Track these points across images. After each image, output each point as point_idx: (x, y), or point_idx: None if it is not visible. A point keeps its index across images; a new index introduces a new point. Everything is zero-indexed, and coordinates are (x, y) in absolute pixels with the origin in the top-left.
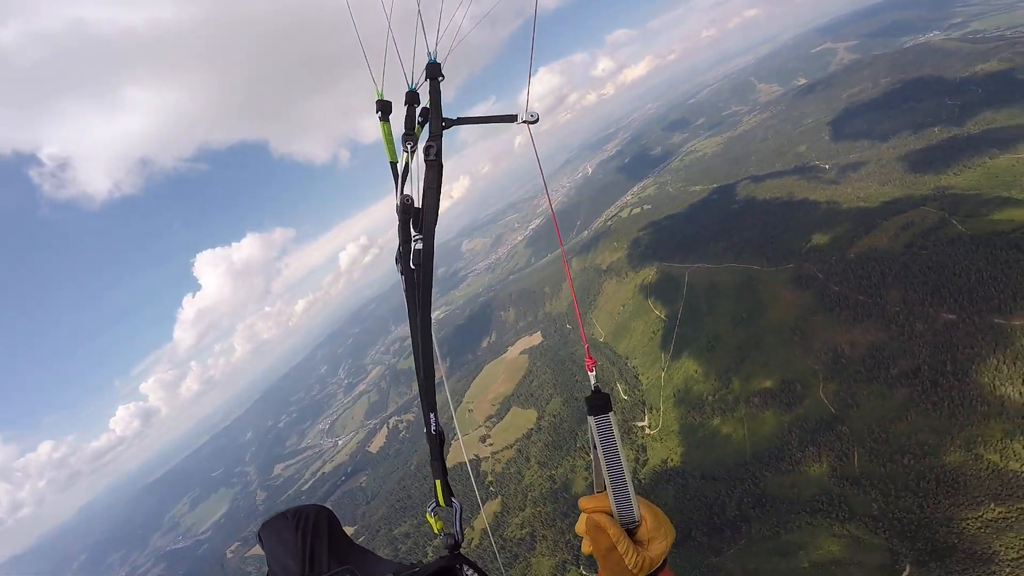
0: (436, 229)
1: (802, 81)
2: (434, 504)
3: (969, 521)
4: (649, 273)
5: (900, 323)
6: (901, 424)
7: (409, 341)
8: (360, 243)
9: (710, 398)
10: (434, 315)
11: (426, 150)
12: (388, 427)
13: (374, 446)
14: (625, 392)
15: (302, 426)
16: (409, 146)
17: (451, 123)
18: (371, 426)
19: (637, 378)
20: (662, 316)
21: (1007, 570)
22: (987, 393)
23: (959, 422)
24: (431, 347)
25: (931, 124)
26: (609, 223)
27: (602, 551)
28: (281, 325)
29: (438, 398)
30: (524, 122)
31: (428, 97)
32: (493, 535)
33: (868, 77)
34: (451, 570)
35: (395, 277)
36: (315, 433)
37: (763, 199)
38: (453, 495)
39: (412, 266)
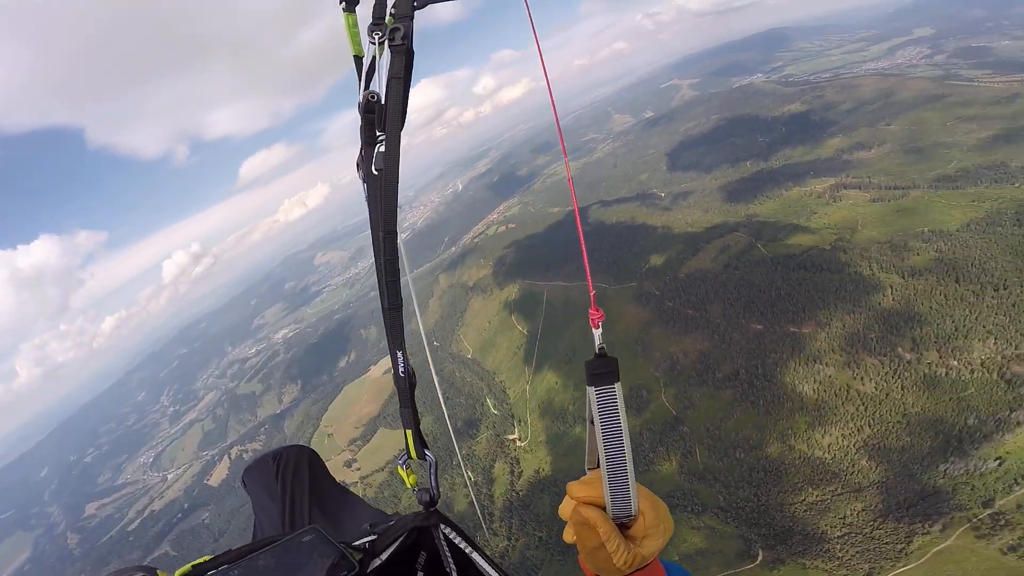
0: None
1: (649, 114)
2: (405, 457)
3: (796, 505)
4: (513, 290)
5: (721, 333)
6: (729, 422)
7: (252, 362)
8: (191, 251)
9: (571, 407)
10: (280, 334)
11: (391, 33)
12: (230, 458)
13: (214, 479)
14: (494, 407)
15: (117, 460)
16: (376, 36)
17: (424, 2)
18: (208, 457)
19: (505, 392)
20: (524, 332)
21: (837, 547)
22: (790, 391)
23: (772, 418)
24: (396, 269)
25: (745, 159)
26: (476, 240)
27: (588, 548)
28: (83, 346)
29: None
30: None
31: None
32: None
33: (703, 113)
34: (427, 529)
35: (234, 290)
36: (135, 468)
37: (611, 223)
38: (427, 447)
39: (374, 171)
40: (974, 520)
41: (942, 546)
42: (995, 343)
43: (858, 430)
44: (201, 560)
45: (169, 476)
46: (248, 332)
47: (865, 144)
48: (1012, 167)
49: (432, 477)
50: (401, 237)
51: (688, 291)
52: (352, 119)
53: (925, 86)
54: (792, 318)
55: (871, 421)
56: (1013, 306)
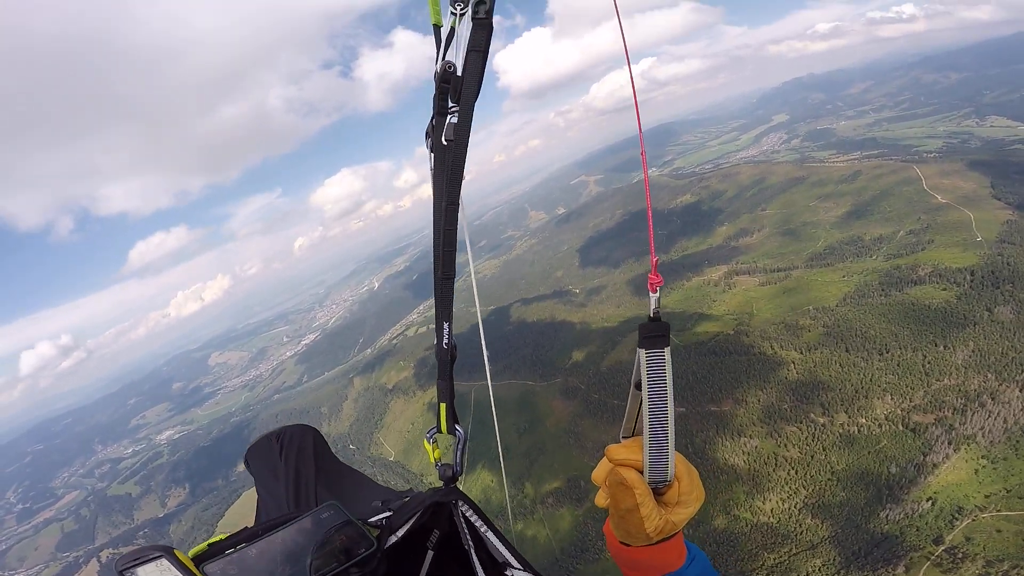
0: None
1: (561, 210)
2: (435, 429)
3: (757, 571)
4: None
5: None
6: None
7: (127, 463)
8: (60, 343)
9: (510, 504)
10: (164, 435)
11: (476, 5)
12: (100, 561)
13: None
14: None
15: None
16: (459, 7)
17: None
18: (69, 559)
19: None
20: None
21: None
22: (723, 465)
23: (712, 492)
24: (454, 240)
25: (647, 252)
26: (395, 341)
27: (621, 511)
28: None
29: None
30: None
31: None
32: None
33: (608, 209)
34: (444, 506)
35: (110, 387)
36: None
37: (532, 320)
38: (458, 422)
39: (444, 142)
40: (933, 557)
41: None
42: (892, 399)
43: (795, 492)
44: (217, 538)
45: None
46: (124, 432)
47: (748, 230)
48: (867, 241)
49: (458, 453)
50: (311, 337)
51: (611, 383)
52: (261, 206)
53: (788, 170)
54: (711, 398)
55: (804, 483)
56: (898, 366)
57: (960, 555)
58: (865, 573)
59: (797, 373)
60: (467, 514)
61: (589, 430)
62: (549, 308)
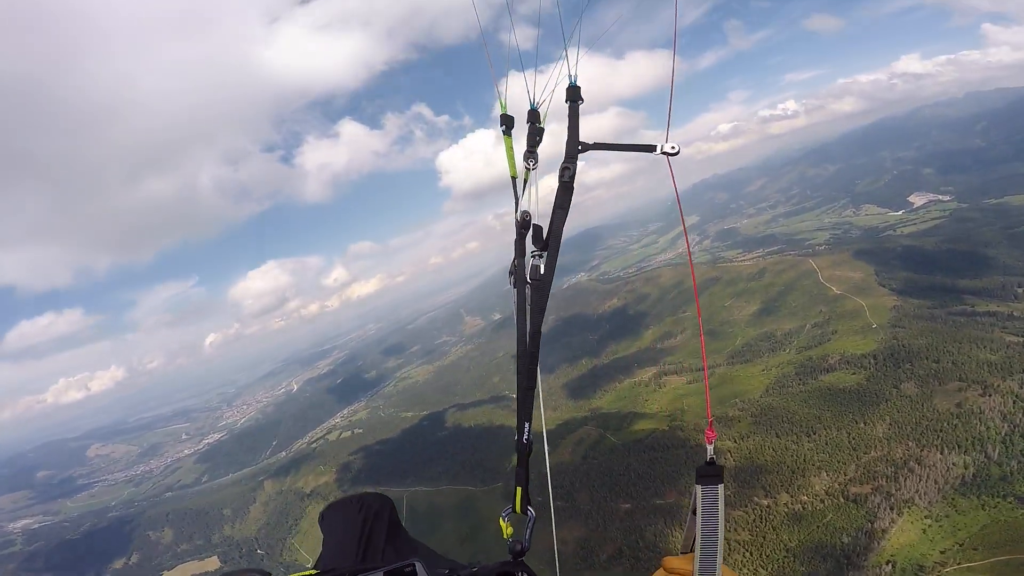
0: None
1: (497, 316)
2: (510, 509)
3: None
4: None
5: (594, 518)
6: None
7: None
8: None
9: None
10: (19, 524)
11: (562, 171)
12: None
13: None
14: None
15: None
16: (530, 163)
17: (588, 147)
18: None
19: None
20: None
21: None
22: (671, 551)
23: None
24: (536, 361)
25: (580, 356)
26: (314, 445)
27: None
28: None
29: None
30: (664, 153)
31: (568, 121)
32: None
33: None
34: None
35: None
36: None
37: (468, 426)
38: (531, 504)
39: (529, 281)
40: None
41: None
42: (827, 475)
43: (755, 574)
44: (307, 572)
45: None
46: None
47: (671, 332)
48: (778, 336)
49: (528, 530)
50: (216, 437)
51: (554, 485)
52: (173, 295)
53: (703, 271)
54: (655, 492)
55: (762, 563)
56: (827, 444)
57: None
58: None
59: (734, 460)
60: None
61: (534, 533)
62: (487, 413)
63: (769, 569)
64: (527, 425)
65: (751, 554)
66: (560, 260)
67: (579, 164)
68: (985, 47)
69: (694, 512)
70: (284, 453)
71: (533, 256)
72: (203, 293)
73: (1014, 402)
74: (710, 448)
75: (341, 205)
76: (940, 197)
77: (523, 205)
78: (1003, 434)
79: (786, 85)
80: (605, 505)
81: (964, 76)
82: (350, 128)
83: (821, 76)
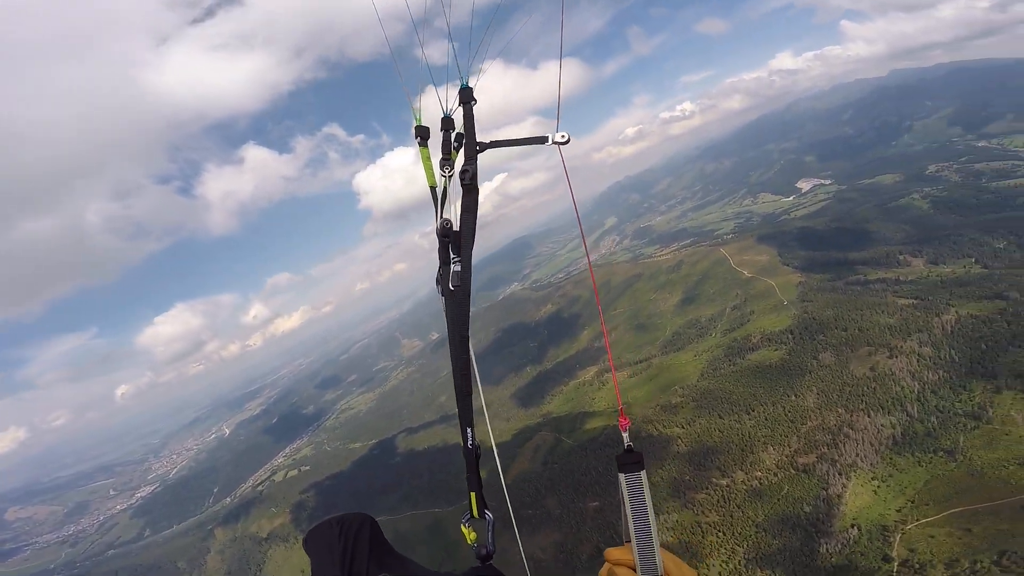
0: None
1: (435, 335)
2: (468, 515)
3: None
4: None
5: (567, 521)
6: None
7: None
8: None
9: None
10: None
11: (462, 174)
12: None
13: None
14: None
15: None
16: (447, 170)
17: (485, 146)
18: None
19: None
20: None
21: None
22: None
23: None
24: (469, 365)
25: (524, 365)
26: (260, 488)
27: None
28: None
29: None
30: (555, 143)
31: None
32: None
33: (481, 328)
34: None
35: None
36: None
37: (422, 448)
38: (487, 508)
39: (451, 287)
40: (897, 573)
41: None
42: (774, 449)
43: (733, 552)
44: None
45: None
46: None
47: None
48: (703, 322)
49: (489, 534)
50: (148, 489)
51: (520, 494)
52: (72, 348)
53: (627, 268)
54: (618, 487)
55: (737, 541)
56: (766, 420)
57: (917, 565)
58: None
59: (686, 445)
60: None
61: (510, 544)
62: (439, 433)
63: (745, 546)
64: (469, 431)
65: (724, 534)
66: (493, 271)
67: (501, 176)
68: (845, 42)
69: (624, 502)
70: (229, 499)
71: (454, 263)
72: (106, 344)
73: (918, 360)
74: (625, 436)
75: (252, 236)
76: (823, 181)
77: (447, 214)
78: (916, 392)
79: (682, 87)
80: (574, 507)
81: (830, 70)
82: (255, 153)
83: (712, 77)
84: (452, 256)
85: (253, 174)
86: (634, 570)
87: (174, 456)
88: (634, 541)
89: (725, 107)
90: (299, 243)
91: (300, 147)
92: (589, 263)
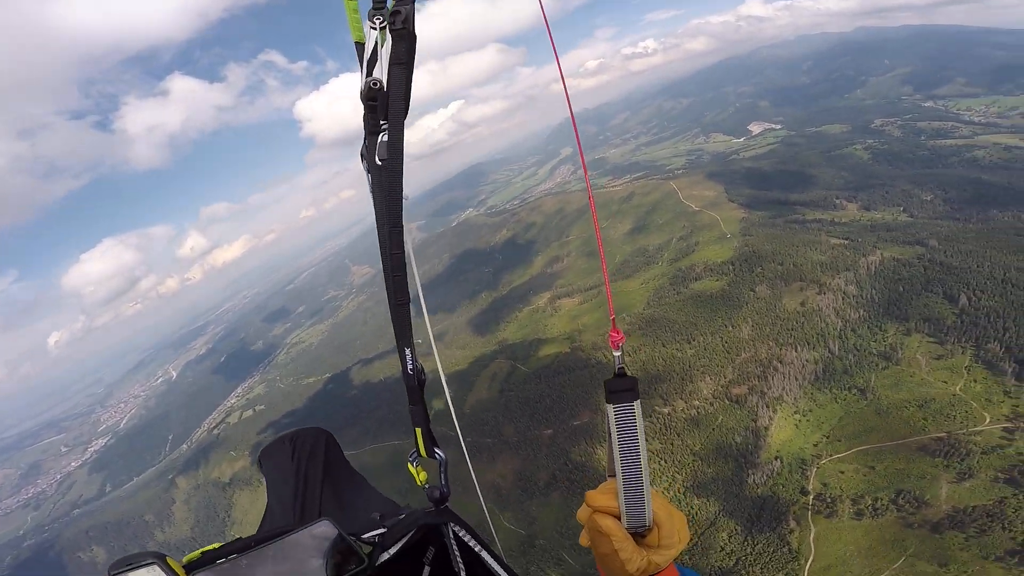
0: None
1: None
2: (415, 454)
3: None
4: None
5: (523, 448)
6: (572, 518)
7: None
8: None
9: None
10: None
11: (393, 16)
12: None
13: None
14: None
15: None
16: (378, 20)
17: None
18: None
19: None
20: None
21: (744, 571)
22: (602, 470)
23: None
24: (403, 264)
25: (479, 291)
26: (216, 432)
27: (601, 555)
28: None
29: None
30: None
31: None
32: None
33: (435, 254)
34: (435, 527)
35: None
36: None
37: (379, 379)
38: (437, 445)
39: (378, 162)
40: (811, 507)
41: (812, 534)
42: (711, 379)
43: (673, 479)
44: (211, 547)
45: None
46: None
47: (559, 257)
48: (651, 251)
49: (442, 475)
50: (101, 442)
51: (479, 423)
52: None
53: (580, 197)
54: (570, 414)
55: (677, 469)
56: (704, 349)
57: (828, 499)
58: (768, 535)
59: (632, 373)
60: (460, 534)
61: (475, 473)
62: (394, 363)
63: (684, 474)
64: (408, 351)
65: (665, 462)
66: (447, 197)
67: (458, 103)
68: None
69: (611, 437)
70: (185, 446)
71: (383, 131)
72: (29, 288)
73: (843, 299)
74: (618, 355)
75: (184, 168)
76: (773, 126)
77: (376, 74)
78: (838, 329)
79: (647, 24)
80: (530, 434)
81: (797, 21)
82: (182, 84)
83: (678, 16)
84: (380, 123)
85: (182, 105)
86: (619, 517)
87: (122, 405)
88: (621, 486)
89: (689, 48)
90: (236, 172)
91: (234, 76)
92: (589, 192)
